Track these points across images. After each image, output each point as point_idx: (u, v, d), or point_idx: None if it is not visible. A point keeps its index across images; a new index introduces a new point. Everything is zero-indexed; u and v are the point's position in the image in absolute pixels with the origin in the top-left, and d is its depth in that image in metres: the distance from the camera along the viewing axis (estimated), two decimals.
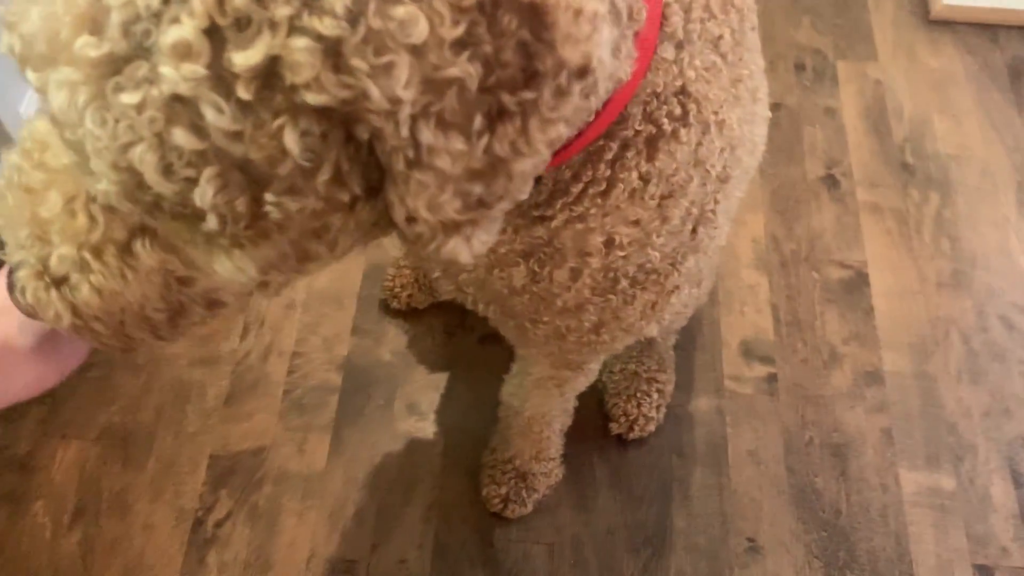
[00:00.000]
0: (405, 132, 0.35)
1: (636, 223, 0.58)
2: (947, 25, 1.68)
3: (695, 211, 0.62)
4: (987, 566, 1.17)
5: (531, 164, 0.38)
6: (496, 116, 0.36)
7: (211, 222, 0.36)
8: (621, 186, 0.56)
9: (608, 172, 0.55)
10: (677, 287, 0.68)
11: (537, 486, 1.16)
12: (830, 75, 1.61)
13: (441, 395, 1.26)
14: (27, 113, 1.25)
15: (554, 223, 0.57)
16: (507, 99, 0.36)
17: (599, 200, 0.56)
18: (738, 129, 0.62)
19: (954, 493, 1.22)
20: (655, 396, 1.23)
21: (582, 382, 0.94)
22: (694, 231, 0.64)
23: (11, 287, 0.47)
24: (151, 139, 0.34)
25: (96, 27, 0.33)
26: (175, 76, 0.32)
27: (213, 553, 1.13)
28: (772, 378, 1.30)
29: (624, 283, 0.64)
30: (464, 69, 0.34)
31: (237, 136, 0.34)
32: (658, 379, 1.23)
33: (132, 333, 0.48)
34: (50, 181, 0.44)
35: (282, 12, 0.32)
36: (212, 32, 0.32)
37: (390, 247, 1.36)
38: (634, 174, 0.55)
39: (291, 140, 0.34)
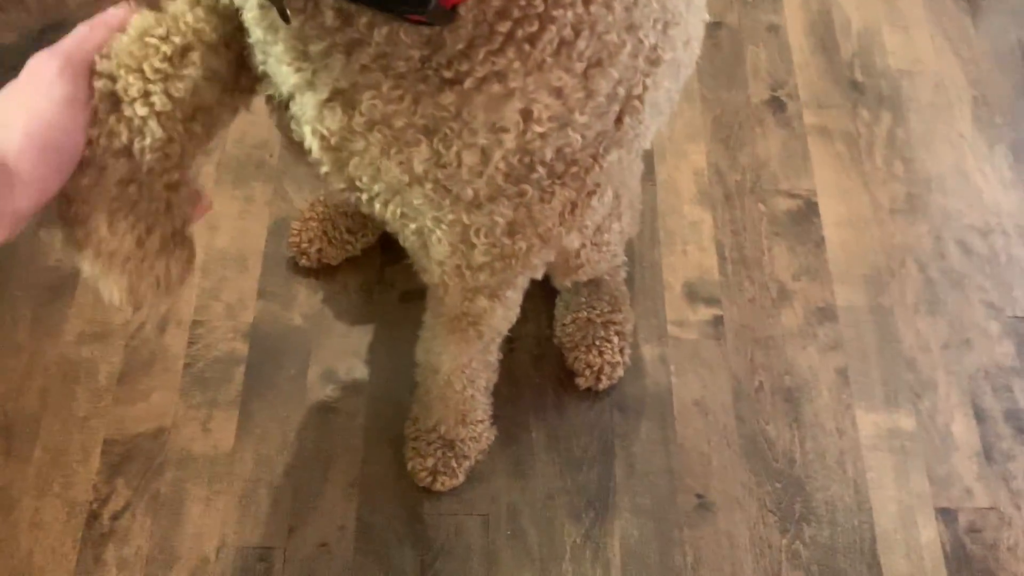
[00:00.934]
0: None
1: (559, 92, 0.52)
2: None
3: (622, 91, 0.56)
4: (950, 509, 1.10)
5: None
6: None
7: None
8: (553, 29, 0.48)
9: (542, 6, 0.48)
10: (598, 185, 0.62)
11: (467, 452, 1.06)
12: None
13: (361, 361, 1.15)
14: None
15: (466, 84, 0.49)
16: None
17: (526, 47, 0.49)
18: (678, 3, 0.56)
19: (914, 433, 1.15)
20: (615, 340, 1.13)
21: (500, 318, 0.83)
22: (619, 120, 0.58)
23: None
24: None
25: None
26: None
27: (111, 549, 1.02)
28: (718, 321, 1.20)
29: (541, 171, 0.56)
30: None
31: None
32: (614, 320, 1.14)
33: None
34: None
35: None
36: None
37: (295, 196, 1.24)
38: (569, 15, 0.49)
39: None
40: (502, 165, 0.54)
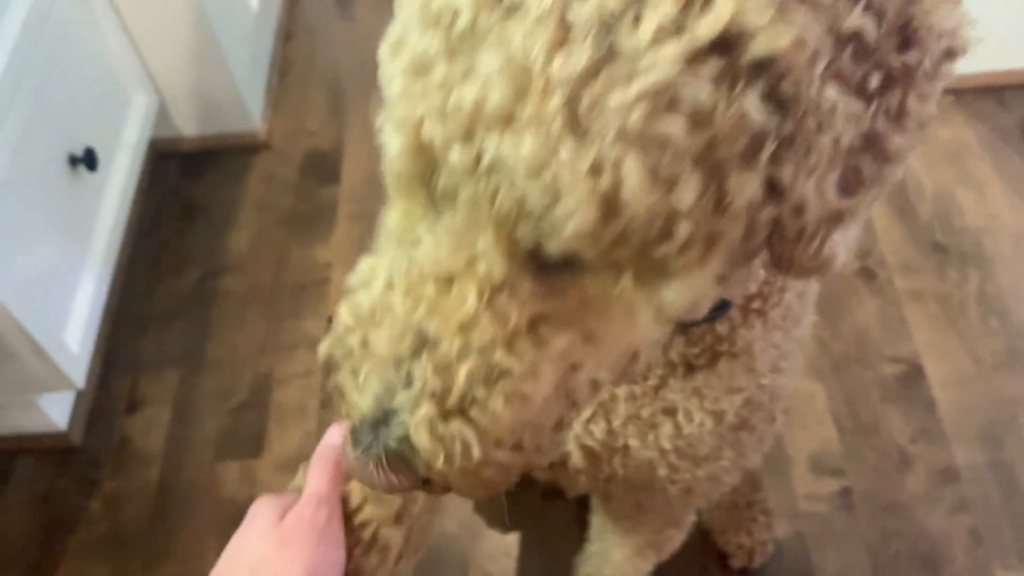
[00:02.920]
0: (816, 88, 0.33)
1: (777, 346, 0.59)
2: (951, 94, 1.68)
3: (799, 329, 0.63)
4: None
5: (904, 142, 0.37)
6: (884, 79, 0.35)
7: (682, 230, 0.34)
8: (786, 298, 0.56)
9: (781, 280, 0.55)
10: (784, 409, 0.68)
11: None
12: None
13: (513, 561, 1.24)
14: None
15: (721, 362, 0.57)
16: (893, 59, 0.35)
17: (772, 316, 0.56)
18: None
19: None
20: (761, 518, 1.20)
21: (680, 539, 0.92)
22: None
23: (376, 458, 0.41)
24: (637, 141, 0.32)
25: (565, 45, 0.32)
26: (656, 62, 0.31)
27: None
28: (846, 492, 1.27)
29: (758, 414, 0.63)
30: (861, 20, 0.33)
31: (709, 116, 0.32)
32: (757, 499, 1.21)
33: (529, 456, 0.42)
34: (444, 285, 0.38)
35: None
36: (679, 10, 0.31)
37: None
38: (799, 283, 0.56)
39: (752, 104, 0.32)
40: (733, 420, 0.61)
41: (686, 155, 0.32)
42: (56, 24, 1.25)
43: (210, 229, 1.60)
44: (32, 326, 1.15)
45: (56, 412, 1.33)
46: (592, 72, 0.31)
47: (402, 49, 0.35)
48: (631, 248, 0.35)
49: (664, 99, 0.32)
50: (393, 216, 0.40)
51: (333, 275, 1.53)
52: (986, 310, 1.43)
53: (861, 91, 0.34)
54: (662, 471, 0.65)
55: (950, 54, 0.36)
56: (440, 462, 0.39)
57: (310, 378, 1.41)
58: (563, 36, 0.31)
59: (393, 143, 0.37)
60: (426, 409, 0.39)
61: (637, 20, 0.31)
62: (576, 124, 0.32)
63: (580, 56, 0.31)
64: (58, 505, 1.32)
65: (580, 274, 0.37)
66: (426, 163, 0.36)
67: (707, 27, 0.31)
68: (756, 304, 0.56)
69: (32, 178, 1.20)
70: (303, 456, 1.34)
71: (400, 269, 0.40)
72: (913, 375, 1.37)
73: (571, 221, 0.33)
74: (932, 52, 0.35)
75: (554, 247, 0.35)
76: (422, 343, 0.39)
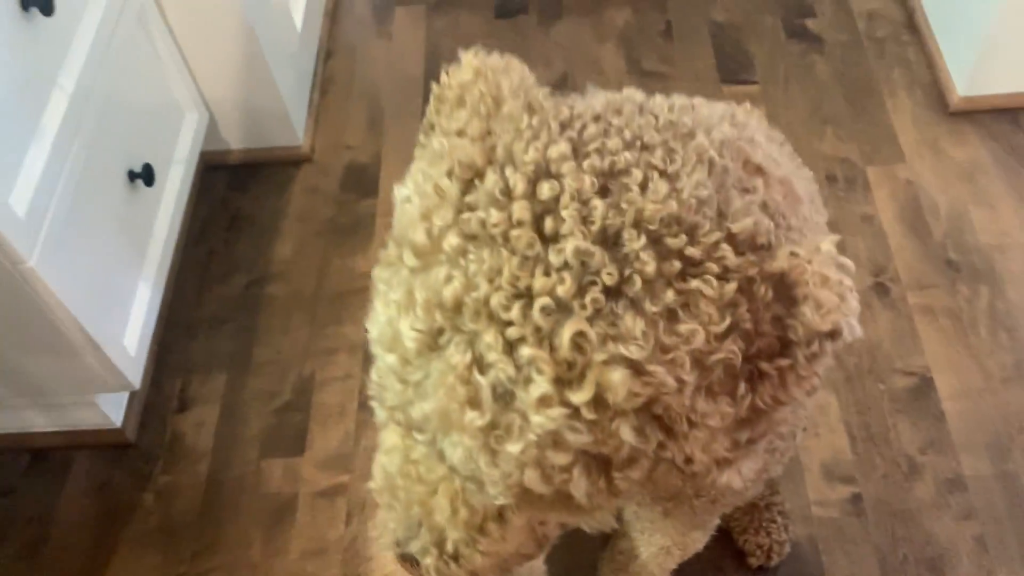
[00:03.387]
0: (687, 402, 0.42)
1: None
2: (967, 115, 1.74)
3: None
4: None
5: (789, 409, 0.45)
6: (757, 379, 0.43)
7: (581, 502, 0.45)
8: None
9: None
10: (804, 427, 0.78)
11: None
12: (861, 182, 1.67)
13: (540, 560, 1.31)
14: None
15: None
16: (765, 366, 0.42)
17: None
18: None
19: None
20: (779, 519, 1.27)
21: (704, 540, 0.99)
22: None
23: (409, 561, 0.58)
24: (532, 465, 0.42)
25: (475, 404, 0.42)
26: (543, 420, 0.41)
27: None
28: (857, 498, 1.33)
29: (779, 440, 0.71)
30: (729, 349, 0.41)
31: (590, 447, 0.42)
32: (775, 502, 1.28)
33: (512, 566, 0.59)
34: (431, 491, 0.54)
35: (599, 357, 0.40)
36: (557, 381, 0.41)
37: None
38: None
39: (626, 433, 0.42)
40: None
41: (572, 468, 0.43)
42: (118, 50, 1.34)
43: (255, 238, 1.69)
44: (95, 330, 1.24)
45: (112, 410, 1.42)
46: (494, 423, 0.42)
47: (376, 351, 0.48)
48: (549, 503, 0.46)
49: (550, 441, 0.41)
50: None
51: (371, 284, 1.61)
52: (996, 326, 1.49)
53: (733, 395, 0.42)
54: (690, 490, 0.73)
55: (832, 336, 0.42)
56: None
57: (349, 381, 1.50)
58: (472, 395, 0.42)
59: (379, 413, 0.49)
60: (431, 559, 0.56)
61: (527, 383, 0.41)
62: (488, 451, 0.43)
63: (484, 415, 0.42)
64: (113, 497, 1.41)
65: None
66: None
67: (580, 397, 0.40)
68: None
69: (96, 193, 1.29)
70: (343, 454, 1.42)
71: (403, 468, 0.54)
72: (923, 387, 1.43)
73: (497, 499, 0.46)
74: (806, 351, 0.42)
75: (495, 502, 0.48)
76: (428, 519, 0.54)
